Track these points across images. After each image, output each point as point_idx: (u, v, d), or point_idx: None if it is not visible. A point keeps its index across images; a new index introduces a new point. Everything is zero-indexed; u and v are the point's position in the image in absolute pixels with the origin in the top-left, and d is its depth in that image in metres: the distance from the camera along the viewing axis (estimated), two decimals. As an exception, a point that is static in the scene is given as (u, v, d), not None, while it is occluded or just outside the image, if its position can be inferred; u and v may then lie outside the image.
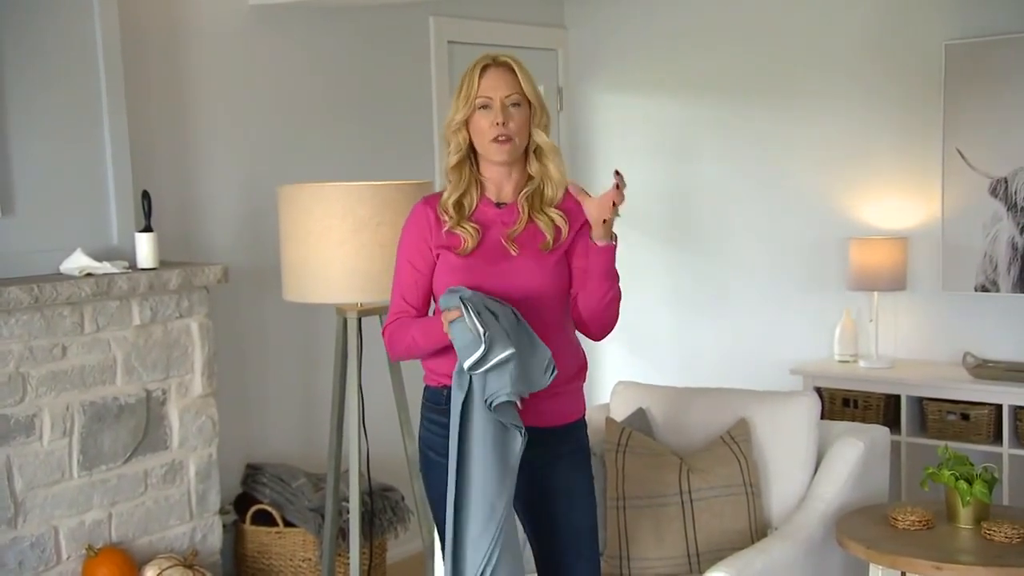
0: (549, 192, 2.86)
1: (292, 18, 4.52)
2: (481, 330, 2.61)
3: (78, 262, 3.53)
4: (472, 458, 2.69)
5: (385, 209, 3.59)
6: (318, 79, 4.66)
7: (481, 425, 2.68)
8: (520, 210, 2.85)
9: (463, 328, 2.64)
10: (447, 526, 2.73)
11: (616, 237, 2.75)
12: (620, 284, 2.82)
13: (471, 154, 2.88)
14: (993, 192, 4.77)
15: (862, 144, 5.14)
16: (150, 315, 3.69)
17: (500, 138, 2.79)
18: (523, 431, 2.68)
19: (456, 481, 2.71)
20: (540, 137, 2.86)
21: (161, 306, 3.72)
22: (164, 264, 3.78)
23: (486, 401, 2.65)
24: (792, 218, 5.36)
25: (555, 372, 2.71)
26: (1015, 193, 4.71)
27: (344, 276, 3.60)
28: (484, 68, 2.82)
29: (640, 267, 5.46)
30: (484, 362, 2.62)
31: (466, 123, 2.84)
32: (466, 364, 2.64)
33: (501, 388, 2.63)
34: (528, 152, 2.87)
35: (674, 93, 5.66)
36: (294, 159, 4.52)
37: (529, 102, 2.83)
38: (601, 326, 2.86)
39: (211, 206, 4.25)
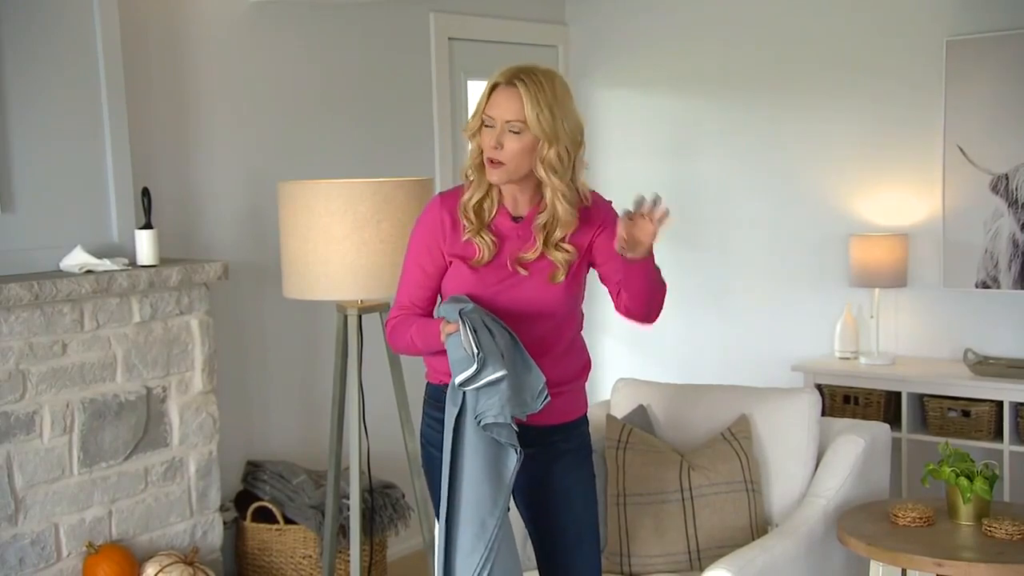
0: (558, 233, 2.75)
1: (292, 15, 4.51)
2: (475, 350, 2.59)
3: (78, 259, 3.52)
4: (464, 474, 2.67)
5: (386, 206, 3.58)
6: (318, 76, 4.65)
7: (474, 441, 2.66)
8: (535, 238, 2.77)
9: (457, 344, 2.63)
10: (438, 541, 2.72)
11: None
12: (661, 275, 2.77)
13: None
14: (994, 188, 4.76)
15: (863, 140, 5.14)
16: (150, 312, 3.69)
17: (490, 160, 2.72)
18: (519, 450, 2.66)
19: (448, 496, 2.70)
20: (540, 172, 2.71)
21: (161, 303, 3.71)
22: (164, 261, 3.78)
23: (476, 418, 2.64)
24: (793, 214, 5.35)
25: (547, 398, 2.69)
26: (1016, 189, 4.71)
27: (344, 273, 3.59)
28: (495, 86, 2.72)
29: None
30: (475, 380, 2.61)
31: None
32: (457, 380, 2.64)
33: (490, 408, 2.61)
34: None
35: (675, 89, 5.66)
36: (294, 156, 4.51)
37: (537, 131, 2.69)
38: (645, 316, 2.80)
39: (211, 203, 4.25)
